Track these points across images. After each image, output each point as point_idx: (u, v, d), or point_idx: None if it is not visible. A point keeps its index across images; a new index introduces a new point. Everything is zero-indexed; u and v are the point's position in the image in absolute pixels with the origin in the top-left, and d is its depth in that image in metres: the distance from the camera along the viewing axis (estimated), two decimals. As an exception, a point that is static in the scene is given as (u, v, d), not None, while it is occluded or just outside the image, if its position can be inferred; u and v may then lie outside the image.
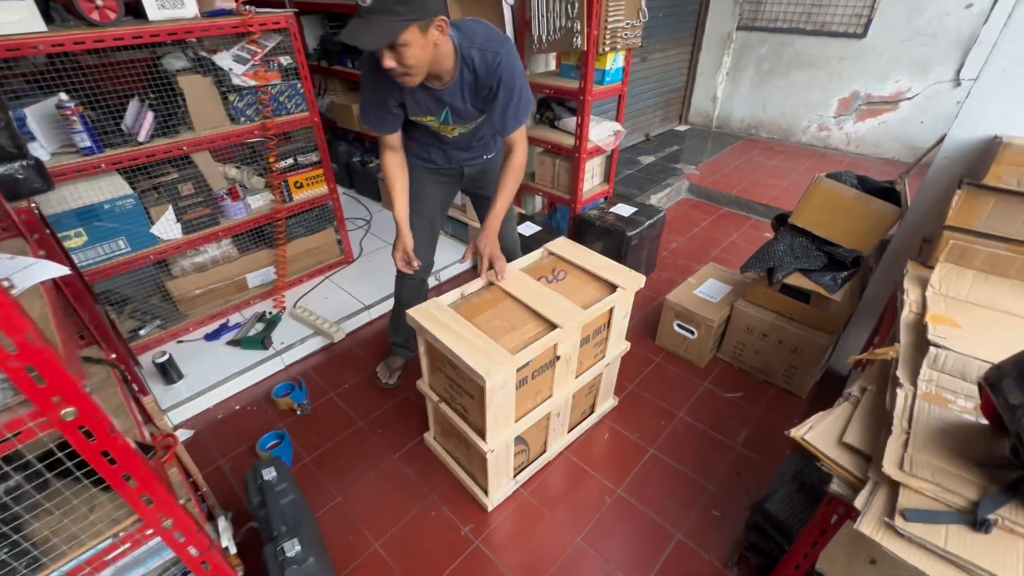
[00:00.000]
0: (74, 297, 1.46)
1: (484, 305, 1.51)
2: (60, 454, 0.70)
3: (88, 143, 1.73)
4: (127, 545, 0.78)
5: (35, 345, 0.58)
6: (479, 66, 1.36)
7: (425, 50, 1.24)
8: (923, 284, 1.36)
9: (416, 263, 1.63)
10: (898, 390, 1.07)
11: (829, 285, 1.76)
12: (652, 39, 4.05)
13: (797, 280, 1.83)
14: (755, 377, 2.10)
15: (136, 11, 1.76)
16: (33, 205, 1.39)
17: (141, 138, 1.86)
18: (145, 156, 1.86)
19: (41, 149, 1.71)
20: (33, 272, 0.79)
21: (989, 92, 1.43)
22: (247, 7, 1.97)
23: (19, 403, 0.61)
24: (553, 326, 1.41)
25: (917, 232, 1.67)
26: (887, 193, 1.78)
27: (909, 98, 3.76)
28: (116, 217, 1.87)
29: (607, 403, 1.94)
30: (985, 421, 0.96)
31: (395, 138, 1.56)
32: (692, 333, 2.10)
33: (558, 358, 1.47)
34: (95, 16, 1.64)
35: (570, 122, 2.51)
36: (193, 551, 0.87)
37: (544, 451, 1.74)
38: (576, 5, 2.09)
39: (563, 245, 1.77)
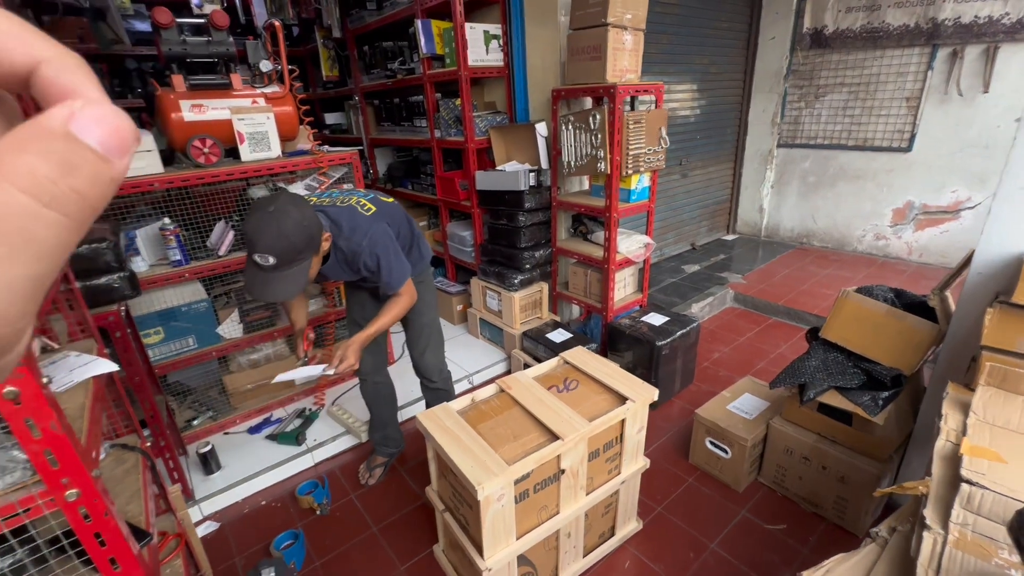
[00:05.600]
0: (136, 388, 1.67)
1: (491, 412, 1.54)
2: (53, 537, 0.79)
3: (178, 256, 2.08)
4: (104, 632, 0.82)
5: (56, 432, 0.70)
6: (347, 251, 1.55)
7: (320, 259, 1.49)
8: (965, 409, 1.23)
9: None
10: (925, 533, 0.95)
11: (869, 406, 1.62)
12: (692, 157, 4.29)
13: (833, 399, 1.70)
14: (802, 507, 1.88)
15: (234, 154, 2.19)
16: (122, 308, 1.66)
17: (221, 252, 2.19)
18: (222, 267, 2.18)
19: (143, 262, 2.07)
20: (87, 369, 0.95)
21: (1011, 208, 1.39)
22: (320, 147, 2.38)
23: (34, 482, 0.72)
24: (555, 437, 1.40)
25: (964, 351, 1.54)
26: (926, 308, 1.69)
27: (970, 207, 3.61)
28: (190, 318, 2.16)
29: (629, 526, 1.80)
30: (1030, 580, 0.82)
31: None
32: (726, 452, 1.96)
33: (563, 471, 1.43)
34: (201, 160, 2.06)
35: (601, 235, 2.64)
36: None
37: (555, 576, 1.62)
38: (599, 136, 2.33)
39: (579, 354, 1.80)
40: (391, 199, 1.75)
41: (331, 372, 1.57)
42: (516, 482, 1.32)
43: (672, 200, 4.24)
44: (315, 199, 1.60)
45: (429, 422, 1.46)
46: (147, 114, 2.93)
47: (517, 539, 1.41)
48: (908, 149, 3.77)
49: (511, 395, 1.59)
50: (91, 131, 0.16)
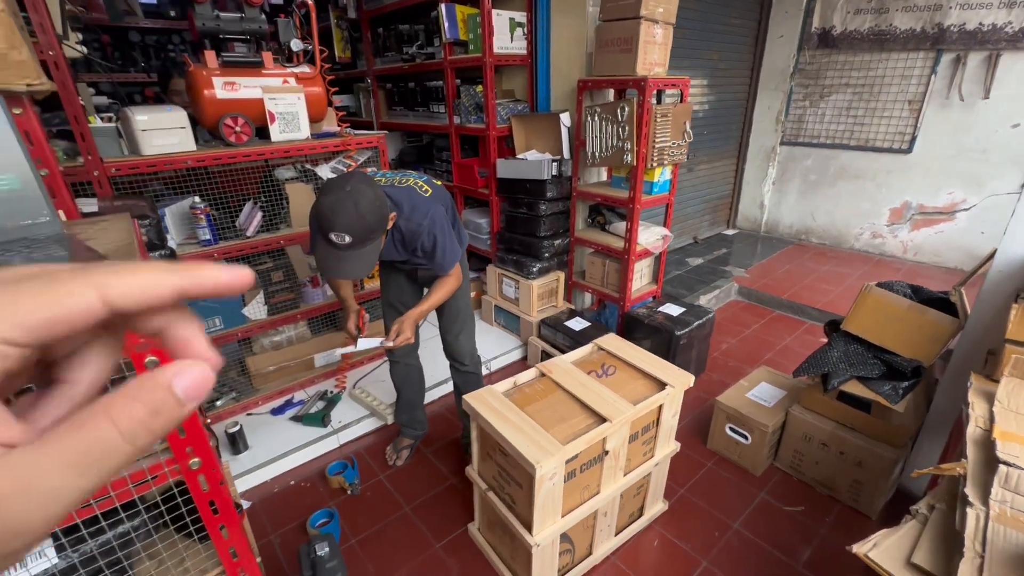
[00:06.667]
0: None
1: (535, 395, 1.58)
2: (173, 501, 0.81)
3: (208, 236, 2.06)
4: (208, 597, 0.85)
5: (185, 402, 0.72)
6: (405, 232, 1.59)
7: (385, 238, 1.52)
8: (989, 398, 1.32)
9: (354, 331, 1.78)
10: (968, 510, 1.03)
11: (890, 395, 1.71)
12: (698, 152, 4.35)
13: (855, 388, 1.79)
14: (818, 491, 1.98)
15: (263, 133, 2.16)
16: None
17: (249, 233, 2.18)
18: (250, 248, 2.17)
19: (171, 240, 2.05)
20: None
21: (1035, 211, 1.47)
22: (347, 130, 2.37)
23: (163, 449, 0.74)
24: (602, 420, 1.45)
25: (980, 344, 1.63)
26: (942, 303, 1.78)
27: (965, 209, 3.75)
28: (218, 298, 2.15)
29: (657, 507, 1.87)
30: (1070, 551, 0.90)
31: None
32: (746, 438, 2.04)
33: (606, 453, 1.49)
34: (232, 139, 2.04)
35: (620, 226, 2.69)
36: (258, 612, 0.93)
37: (590, 553, 1.68)
38: (627, 128, 2.36)
39: (612, 341, 1.85)
40: (439, 182, 1.76)
41: (389, 344, 1.62)
42: (567, 462, 1.37)
43: (678, 194, 4.29)
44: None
45: (478, 403, 1.50)
46: (160, 89, 2.86)
47: (562, 517, 1.47)
48: (908, 151, 3.89)
49: (553, 379, 1.63)
50: (183, 383, 0.20)
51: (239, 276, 0.23)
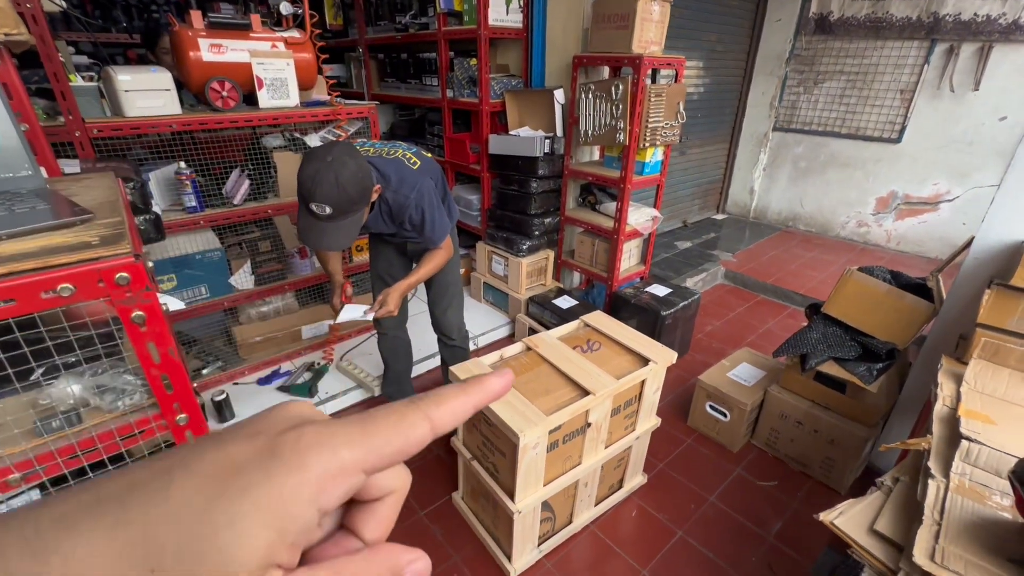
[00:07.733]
0: (164, 332, 1.66)
1: (521, 368, 1.60)
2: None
3: (194, 203, 2.03)
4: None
5: (172, 358, 0.72)
6: (392, 204, 1.58)
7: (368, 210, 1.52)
8: (958, 379, 1.37)
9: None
10: (930, 481, 1.08)
11: (864, 375, 1.76)
12: (691, 136, 4.35)
13: (831, 368, 1.84)
14: (791, 467, 2.05)
15: (250, 99, 2.12)
16: (144, 251, 1.63)
17: (236, 201, 2.15)
18: (236, 216, 2.15)
19: (155, 206, 2.01)
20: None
21: (1013, 199, 1.51)
22: (338, 99, 2.33)
23: (150, 404, 0.74)
24: (585, 393, 1.48)
25: (953, 329, 1.68)
26: (920, 289, 1.82)
27: (949, 200, 3.82)
28: (203, 266, 2.13)
29: (636, 479, 1.93)
30: (1022, 519, 0.95)
31: None
32: (725, 416, 2.10)
33: (589, 425, 1.52)
34: (219, 103, 1.99)
35: (610, 206, 2.70)
36: None
37: (570, 522, 1.73)
38: (620, 107, 2.35)
39: (599, 318, 1.87)
40: (429, 154, 1.75)
41: (371, 316, 1.62)
42: (550, 432, 1.41)
43: (669, 177, 4.29)
44: (362, 150, 1.59)
45: (464, 374, 1.52)
46: (147, 48, 2.76)
47: (544, 486, 1.51)
48: (898, 140, 3.93)
49: (539, 353, 1.66)
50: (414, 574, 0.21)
51: (507, 381, 0.26)
